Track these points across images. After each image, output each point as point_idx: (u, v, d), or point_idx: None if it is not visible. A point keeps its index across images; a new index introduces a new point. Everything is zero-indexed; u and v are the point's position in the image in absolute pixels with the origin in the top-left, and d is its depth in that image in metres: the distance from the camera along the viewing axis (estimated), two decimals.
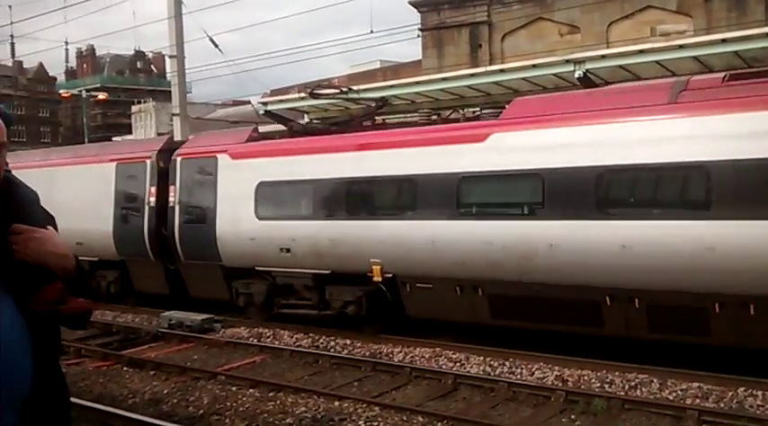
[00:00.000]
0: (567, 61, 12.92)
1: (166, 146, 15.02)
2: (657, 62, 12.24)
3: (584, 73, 12.57)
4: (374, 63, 42.70)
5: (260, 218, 12.72)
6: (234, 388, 9.30)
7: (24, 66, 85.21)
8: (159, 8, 22.01)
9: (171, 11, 22.90)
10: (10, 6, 74.61)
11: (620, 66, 12.62)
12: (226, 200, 13.26)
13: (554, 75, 13.23)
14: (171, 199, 14.13)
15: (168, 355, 11.52)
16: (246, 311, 13.64)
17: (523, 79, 13.77)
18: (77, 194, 15.55)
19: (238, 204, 12.98)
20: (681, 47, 12.03)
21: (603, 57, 12.83)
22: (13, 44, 79.84)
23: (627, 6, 24.46)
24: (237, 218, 13.00)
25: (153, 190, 14.53)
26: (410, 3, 28.55)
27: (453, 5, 27.76)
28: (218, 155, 13.55)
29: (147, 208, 14.55)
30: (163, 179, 14.43)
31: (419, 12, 28.57)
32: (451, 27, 27.78)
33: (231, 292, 13.56)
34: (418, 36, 28.54)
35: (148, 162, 14.78)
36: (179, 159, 14.27)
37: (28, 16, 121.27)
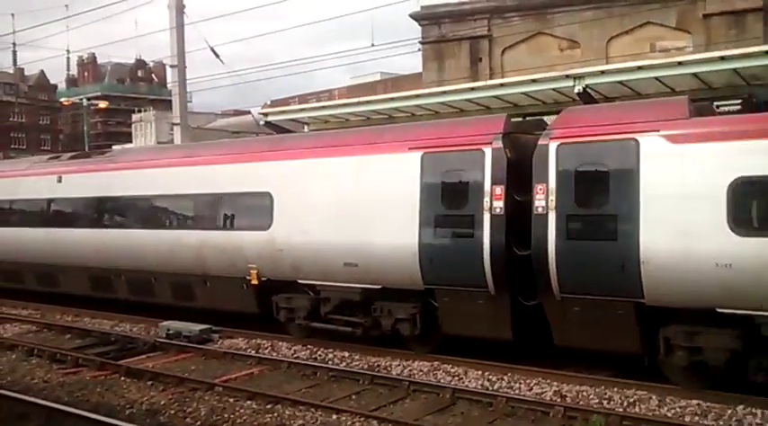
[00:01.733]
0: (567, 76, 12.99)
1: (512, 128, 10.96)
2: (656, 78, 12.32)
3: (583, 88, 12.64)
4: (375, 75, 42.95)
5: (741, 234, 8.56)
6: (231, 400, 9.29)
7: (26, 73, 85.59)
8: (161, 18, 22.07)
9: (173, 21, 23.02)
10: (13, 14, 74.70)
11: (620, 82, 12.70)
12: (660, 205, 9.14)
13: (553, 89, 13.31)
14: (540, 203, 9.98)
15: (166, 365, 11.49)
16: (679, 374, 9.42)
17: (523, 94, 13.83)
18: (346, 194, 11.83)
19: (689, 211, 8.94)
20: (680, 63, 12.10)
21: (603, 72, 12.88)
22: (15, 52, 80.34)
23: (626, 22, 24.56)
24: (686, 233, 8.92)
25: (498, 190, 10.38)
26: (411, 16, 28.67)
27: (454, 19, 27.86)
28: (639, 138, 9.41)
29: (487, 216, 10.42)
30: (512, 174, 10.43)
31: (420, 25, 28.66)
32: (452, 41, 27.85)
33: (656, 345, 9.42)
34: (419, 49, 28.65)
35: (488, 150, 10.53)
36: (556, 145, 9.97)
37: (31, 25, 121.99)
